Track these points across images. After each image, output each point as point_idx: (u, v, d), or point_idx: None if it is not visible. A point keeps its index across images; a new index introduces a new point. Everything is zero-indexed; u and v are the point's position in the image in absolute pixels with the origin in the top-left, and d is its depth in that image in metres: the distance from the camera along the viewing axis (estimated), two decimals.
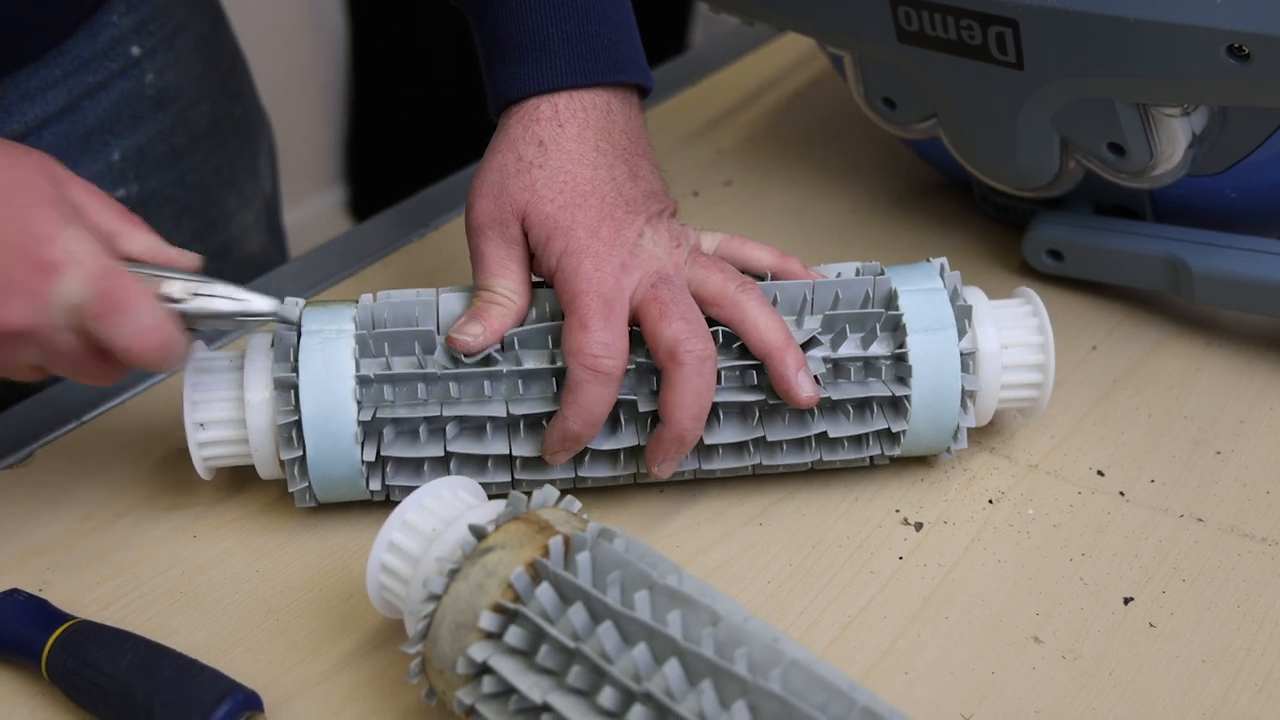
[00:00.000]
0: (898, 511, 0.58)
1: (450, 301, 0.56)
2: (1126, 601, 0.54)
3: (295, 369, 0.54)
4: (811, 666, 0.41)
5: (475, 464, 0.56)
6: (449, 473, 0.55)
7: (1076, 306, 0.69)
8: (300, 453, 0.54)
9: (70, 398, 0.64)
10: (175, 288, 0.52)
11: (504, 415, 0.54)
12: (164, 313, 0.50)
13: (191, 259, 0.53)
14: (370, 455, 0.54)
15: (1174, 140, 0.60)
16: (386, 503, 0.57)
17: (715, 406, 0.55)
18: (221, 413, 0.55)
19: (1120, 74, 0.58)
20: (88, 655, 0.49)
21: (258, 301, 0.53)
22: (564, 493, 0.49)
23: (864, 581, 0.55)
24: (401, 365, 0.54)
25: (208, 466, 0.56)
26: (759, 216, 0.77)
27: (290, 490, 0.55)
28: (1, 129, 0.65)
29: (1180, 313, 0.69)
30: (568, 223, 0.54)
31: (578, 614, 0.43)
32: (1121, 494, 0.59)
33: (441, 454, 0.54)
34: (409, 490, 0.55)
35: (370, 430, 0.54)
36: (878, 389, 0.55)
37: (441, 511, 0.49)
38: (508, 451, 0.55)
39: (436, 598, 0.45)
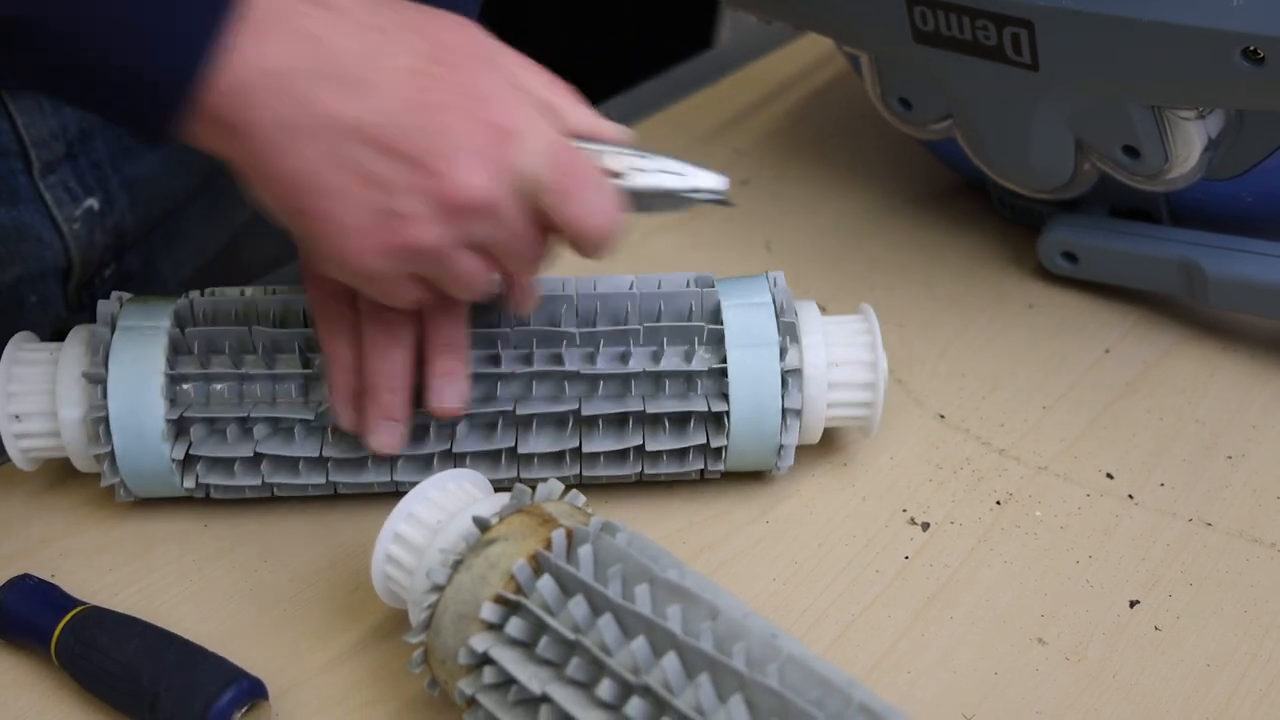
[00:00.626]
0: (905, 511, 0.58)
1: (272, 304, 0.56)
2: (1132, 604, 0.54)
3: (105, 364, 0.54)
4: (809, 662, 0.41)
5: (286, 466, 0.55)
6: (260, 473, 0.55)
7: (1091, 309, 0.69)
8: (109, 448, 0.54)
9: None
10: (618, 162, 0.47)
11: (313, 419, 0.54)
12: (613, 190, 0.46)
13: (627, 133, 0.49)
14: (179, 454, 0.54)
15: (1189, 143, 0.60)
16: (395, 495, 0.57)
17: (530, 417, 0.55)
18: (35, 405, 0.55)
19: (1135, 76, 0.58)
20: (96, 641, 0.49)
21: (701, 177, 0.48)
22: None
23: (869, 580, 0.55)
24: (217, 365, 0.55)
25: (26, 458, 0.56)
26: (775, 215, 0.77)
27: (102, 485, 0.55)
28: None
29: (1195, 317, 0.68)
30: None
31: (578, 606, 0.43)
32: (1130, 497, 0.59)
33: (251, 454, 0.54)
34: (224, 489, 0.56)
35: (180, 429, 0.54)
36: (697, 403, 0.55)
37: (446, 504, 0.49)
38: (318, 454, 0.55)
39: (440, 588, 0.46)
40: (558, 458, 0.56)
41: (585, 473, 0.56)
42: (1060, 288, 0.70)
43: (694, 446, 0.56)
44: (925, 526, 0.57)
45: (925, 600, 0.54)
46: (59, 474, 0.59)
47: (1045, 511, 0.58)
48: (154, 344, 0.54)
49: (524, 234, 0.46)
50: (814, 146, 0.83)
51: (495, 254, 0.47)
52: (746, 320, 0.55)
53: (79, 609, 0.51)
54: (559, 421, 0.55)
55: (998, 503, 0.59)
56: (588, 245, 0.47)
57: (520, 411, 0.55)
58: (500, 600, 0.44)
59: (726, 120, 0.86)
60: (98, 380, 0.54)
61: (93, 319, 0.68)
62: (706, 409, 0.55)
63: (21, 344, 0.56)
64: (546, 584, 0.44)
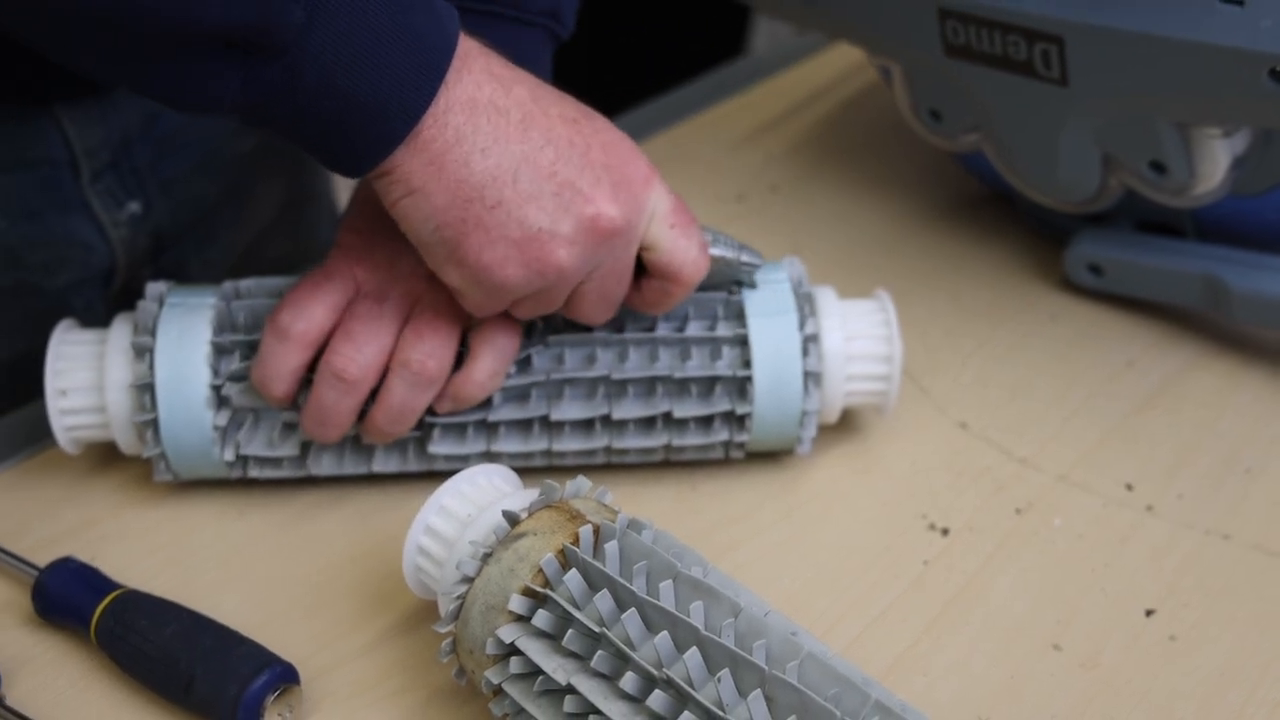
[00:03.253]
0: (925, 516, 0.59)
1: None
2: (1148, 614, 0.54)
3: (153, 335, 0.56)
4: (827, 660, 0.42)
5: None
6: (297, 441, 0.57)
7: (1115, 322, 0.70)
8: (153, 416, 0.56)
9: None
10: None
11: None
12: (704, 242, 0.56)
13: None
14: (222, 420, 0.56)
15: (1215, 161, 0.61)
16: (426, 478, 0.59)
17: (561, 384, 0.57)
18: (82, 380, 0.57)
19: (1163, 93, 0.59)
20: (134, 623, 0.51)
21: (750, 254, 0.58)
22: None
23: (888, 584, 0.56)
24: (247, 336, 0.57)
25: (71, 438, 0.58)
26: (803, 222, 0.78)
27: (145, 457, 0.57)
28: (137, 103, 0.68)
29: (1218, 331, 0.69)
30: None
31: (604, 601, 0.44)
32: (1149, 508, 0.59)
33: (291, 421, 0.57)
34: (263, 461, 0.58)
35: (224, 397, 0.56)
36: (723, 369, 0.57)
37: (477, 498, 0.50)
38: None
39: (469, 580, 0.47)
40: (588, 426, 0.58)
41: (614, 443, 0.58)
42: (1085, 300, 0.71)
43: (720, 414, 0.58)
44: (945, 532, 0.58)
45: (943, 605, 0.55)
46: (100, 459, 0.61)
47: (1064, 520, 0.59)
48: (200, 317, 0.57)
49: (627, 269, 0.54)
50: (844, 155, 0.84)
51: (597, 288, 0.54)
52: (764, 293, 0.59)
53: (118, 592, 0.52)
54: (589, 388, 0.57)
55: (1017, 510, 0.59)
56: (683, 281, 0.55)
57: (553, 377, 0.57)
58: (528, 593, 0.46)
59: (758, 127, 0.88)
60: (144, 350, 0.56)
61: None
62: (731, 374, 0.57)
63: (68, 328, 0.58)
64: (573, 578, 0.45)
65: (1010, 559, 0.57)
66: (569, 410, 0.57)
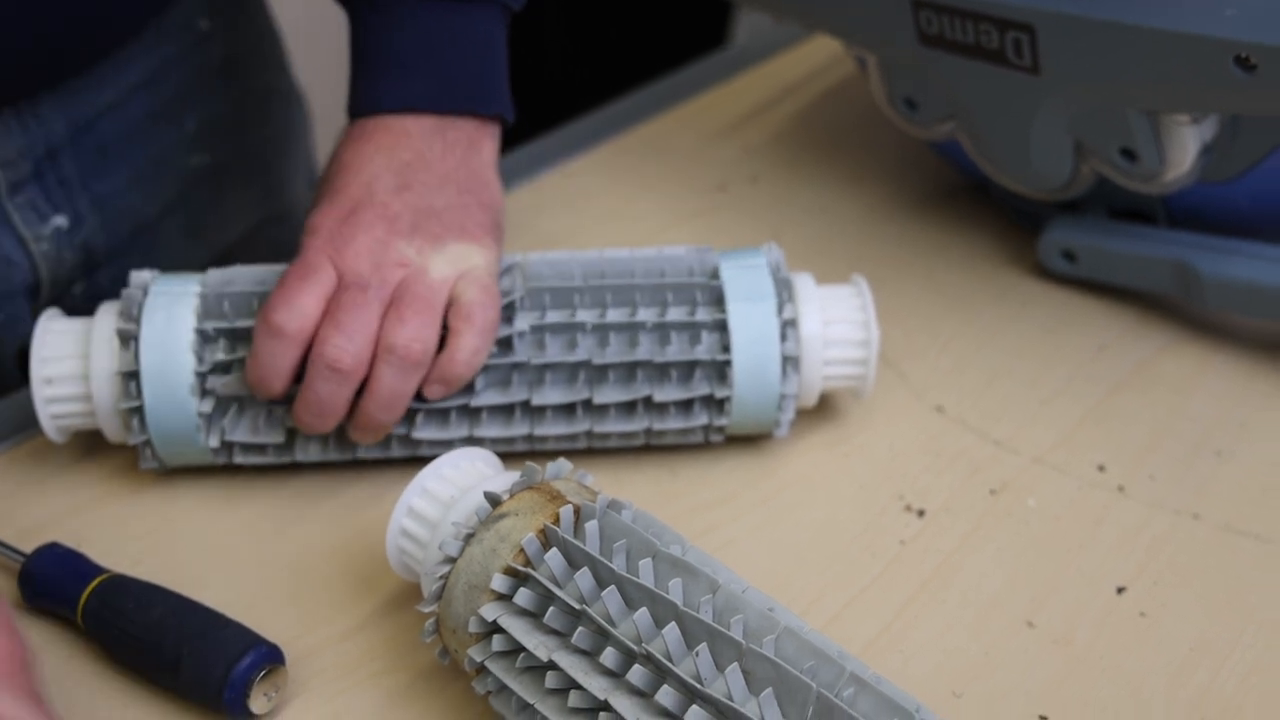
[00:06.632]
0: (902, 498, 0.60)
1: None
2: (1119, 591, 0.55)
3: (138, 322, 0.56)
4: (803, 634, 0.43)
5: None
6: (282, 428, 0.58)
7: (1088, 307, 0.71)
8: (138, 403, 0.56)
9: None
10: None
11: None
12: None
13: None
14: (207, 407, 0.57)
15: (1184, 147, 0.62)
16: (408, 464, 0.59)
17: (543, 369, 0.58)
18: (68, 369, 0.57)
19: (1131, 81, 0.60)
20: (121, 607, 0.51)
21: None
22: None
23: (865, 564, 0.57)
24: (232, 322, 0.57)
25: (57, 426, 0.58)
26: (784, 212, 0.79)
27: (130, 443, 0.58)
28: (98, 98, 0.69)
29: (1190, 316, 0.70)
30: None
31: (584, 579, 0.45)
32: (1121, 489, 0.60)
33: (279, 406, 0.58)
34: (248, 448, 0.58)
35: (205, 381, 0.57)
36: (702, 353, 0.58)
37: (459, 480, 0.51)
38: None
39: (452, 560, 0.48)
40: (569, 410, 0.59)
41: (596, 428, 0.59)
42: (1058, 287, 0.72)
43: (700, 398, 0.59)
44: (921, 513, 0.59)
45: (919, 584, 0.56)
46: (86, 447, 0.61)
47: (1038, 501, 0.60)
48: (184, 305, 0.57)
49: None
50: (822, 146, 0.85)
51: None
52: (743, 278, 0.59)
53: (104, 576, 0.53)
54: (571, 373, 0.58)
55: (992, 492, 0.60)
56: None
57: (535, 362, 0.58)
58: (510, 572, 0.46)
59: (739, 118, 0.88)
60: (130, 337, 0.56)
61: None
62: (711, 359, 0.58)
63: (53, 317, 0.59)
64: (554, 557, 0.46)
65: (985, 539, 0.58)
66: (550, 395, 0.58)
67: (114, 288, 0.72)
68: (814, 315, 0.60)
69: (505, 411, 0.59)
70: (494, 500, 0.48)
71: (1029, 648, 0.53)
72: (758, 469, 0.62)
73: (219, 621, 0.50)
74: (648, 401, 0.59)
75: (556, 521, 0.47)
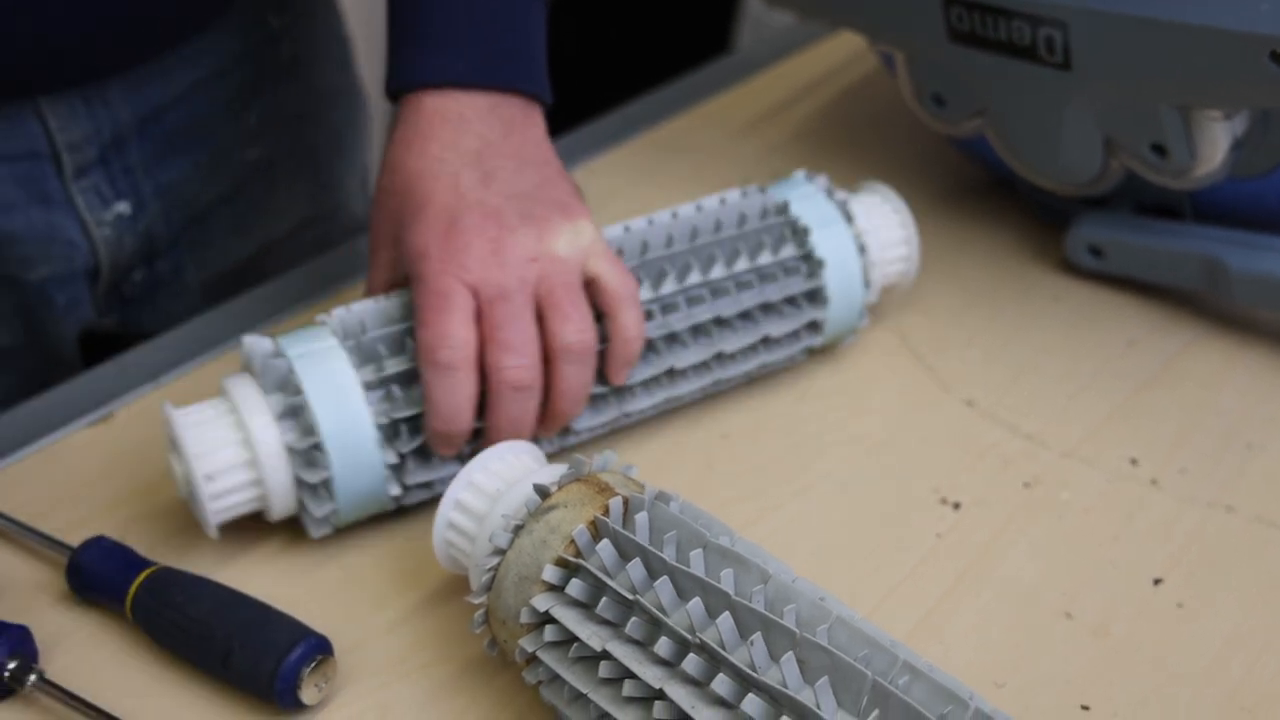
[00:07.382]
0: (936, 491, 0.61)
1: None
2: (1156, 583, 0.56)
3: (299, 392, 0.54)
4: (855, 623, 0.43)
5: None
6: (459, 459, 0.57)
7: (1116, 303, 0.72)
8: (327, 474, 0.54)
9: (147, 361, 0.67)
10: None
11: None
12: None
13: None
14: (393, 458, 0.55)
15: (1215, 143, 0.63)
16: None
17: (677, 335, 0.61)
18: (226, 459, 0.53)
19: (1164, 77, 0.60)
20: (170, 598, 0.52)
21: None
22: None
23: (902, 556, 0.57)
24: (396, 365, 0.55)
25: (220, 522, 0.54)
26: None
27: (314, 515, 0.55)
28: (166, 89, 0.69)
29: (1218, 311, 0.71)
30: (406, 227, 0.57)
31: (636, 569, 0.45)
32: (1153, 482, 0.61)
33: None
34: (427, 488, 0.57)
35: (392, 432, 0.55)
36: (799, 285, 0.63)
37: (505, 474, 0.52)
38: None
39: (501, 552, 0.48)
40: (704, 367, 0.63)
41: (721, 375, 0.63)
42: (1086, 282, 0.73)
43: (805, 325, 0.65)
44: (956, 506, 0.60)
45: (956, 576, 0.56)
46: (127, 444, 0.62)
47: (1071, 495, 0.60)
48: (337, 360, 0.54)
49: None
50: (843, 143, 0.86)
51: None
52: (809, 208, 0.65)
53: (153, 568, 0.53)
54: (702, 331, 0.62)
55: (1025, 485, 0.61)
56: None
57: (677, 328, 0.61)
58: (561, 563, 0.47)
59: (758, 117, 0.89)
60: (298, 409, 0.54)
61: (123, 322, 0.68)
62: (810, 287, 0.64)
63: (174, 411, 0.54)
64: (605, 548, 0.46)
65: (1020, 532, 0.59)
66: (687, 356, 0.61)
67: (172, 276, 0.74)
68: (873, 226, 0.66)
69: (653, 383, 0.61)
70: (543, 492, 0.49)
71: (1068, 639, 0.54)
72: (793, 463, 0.62)
73: (268, 613, 0.51)
74: (765, 340, 0.63)
75: (606, 513, 0.47)
